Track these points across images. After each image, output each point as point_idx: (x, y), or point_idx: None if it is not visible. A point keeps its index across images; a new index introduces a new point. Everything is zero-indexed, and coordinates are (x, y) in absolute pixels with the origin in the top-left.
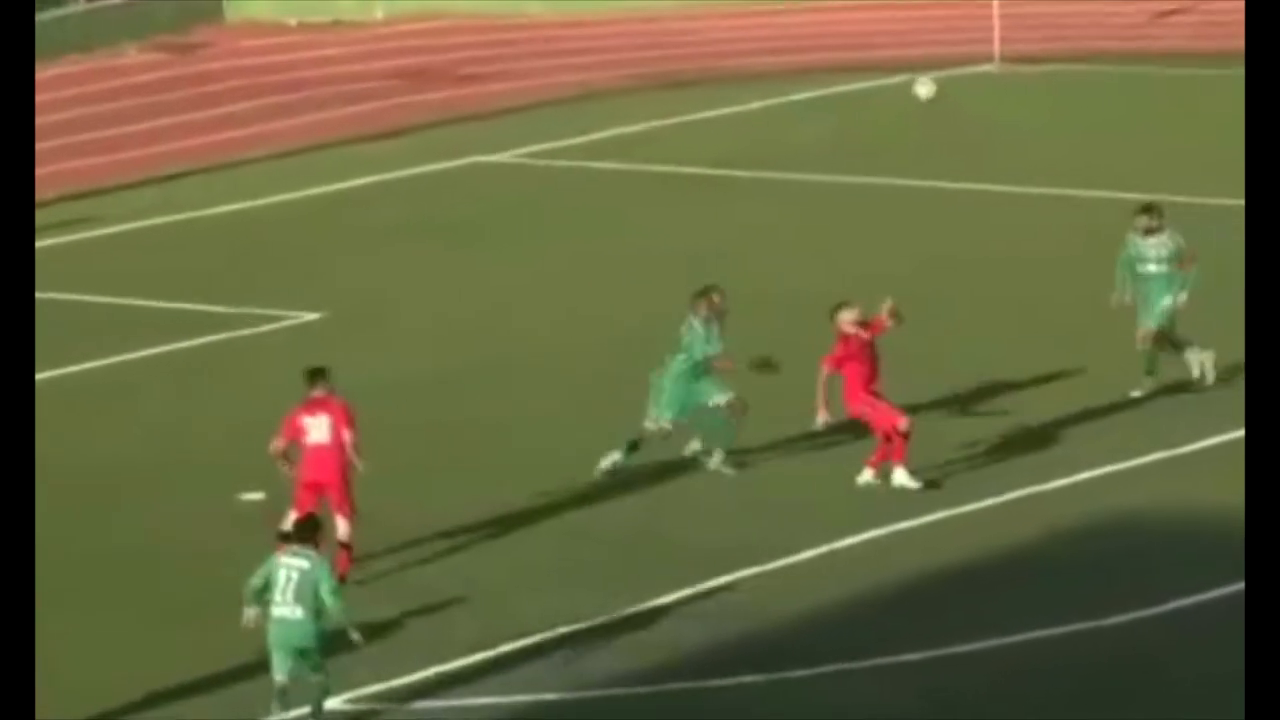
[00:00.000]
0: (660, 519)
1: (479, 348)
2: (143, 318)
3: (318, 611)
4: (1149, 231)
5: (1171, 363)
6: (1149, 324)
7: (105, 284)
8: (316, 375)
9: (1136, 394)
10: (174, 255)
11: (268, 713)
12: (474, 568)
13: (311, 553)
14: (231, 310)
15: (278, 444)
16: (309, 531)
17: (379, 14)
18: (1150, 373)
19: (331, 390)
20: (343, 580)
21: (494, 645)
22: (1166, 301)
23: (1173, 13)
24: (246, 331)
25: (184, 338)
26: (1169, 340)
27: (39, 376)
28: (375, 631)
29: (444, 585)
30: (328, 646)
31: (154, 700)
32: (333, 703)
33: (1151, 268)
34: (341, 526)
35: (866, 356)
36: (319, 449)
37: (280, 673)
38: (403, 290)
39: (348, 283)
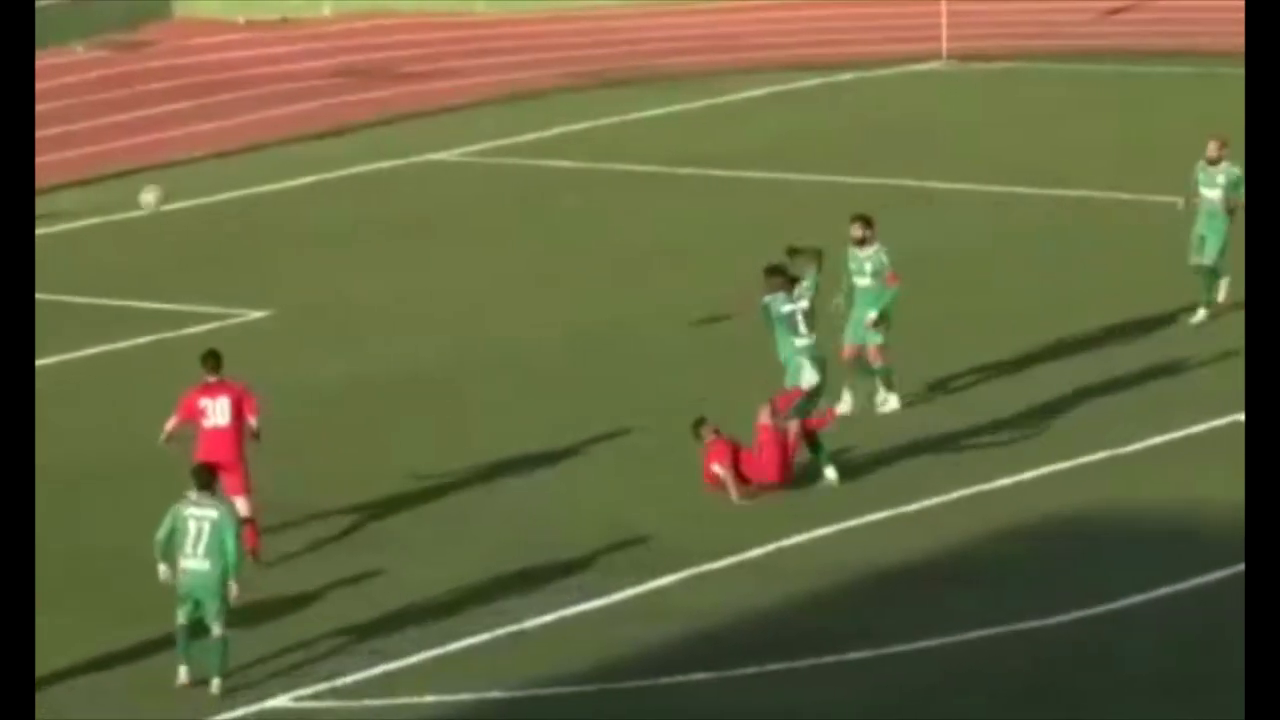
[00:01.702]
0: (609, 519)
1: (429, 346)
2: (88, 315)
3: (225, 562)
4: (859, 242)
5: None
6: (852, 340)
7: (50, 282)
8: (214, 359)
9: (885, 409)
10: (120, 253)
11: (180, 660)
12: (424, 566)
13: (218, 502)
14: (179, 308)
15: (171, 425)
16: (211, 478)
17: (326, 11)
18: (889, 386)
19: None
20: (255, 555)
21: (442, 644)
22: (869, 316)
23: (1121, 10)
24: (194, 330)
25: (131, 336)
26: (861, 360)
27: None
28: (323, 629)
29: (394, 583)
30: (228, 601)
31: (115, 699)
32: (279, 700)
33: (860, 280)
34: (242, 505)
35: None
36: (217, 431)
37: (183, 618)
38: (350, 288)
39: (295, 281)
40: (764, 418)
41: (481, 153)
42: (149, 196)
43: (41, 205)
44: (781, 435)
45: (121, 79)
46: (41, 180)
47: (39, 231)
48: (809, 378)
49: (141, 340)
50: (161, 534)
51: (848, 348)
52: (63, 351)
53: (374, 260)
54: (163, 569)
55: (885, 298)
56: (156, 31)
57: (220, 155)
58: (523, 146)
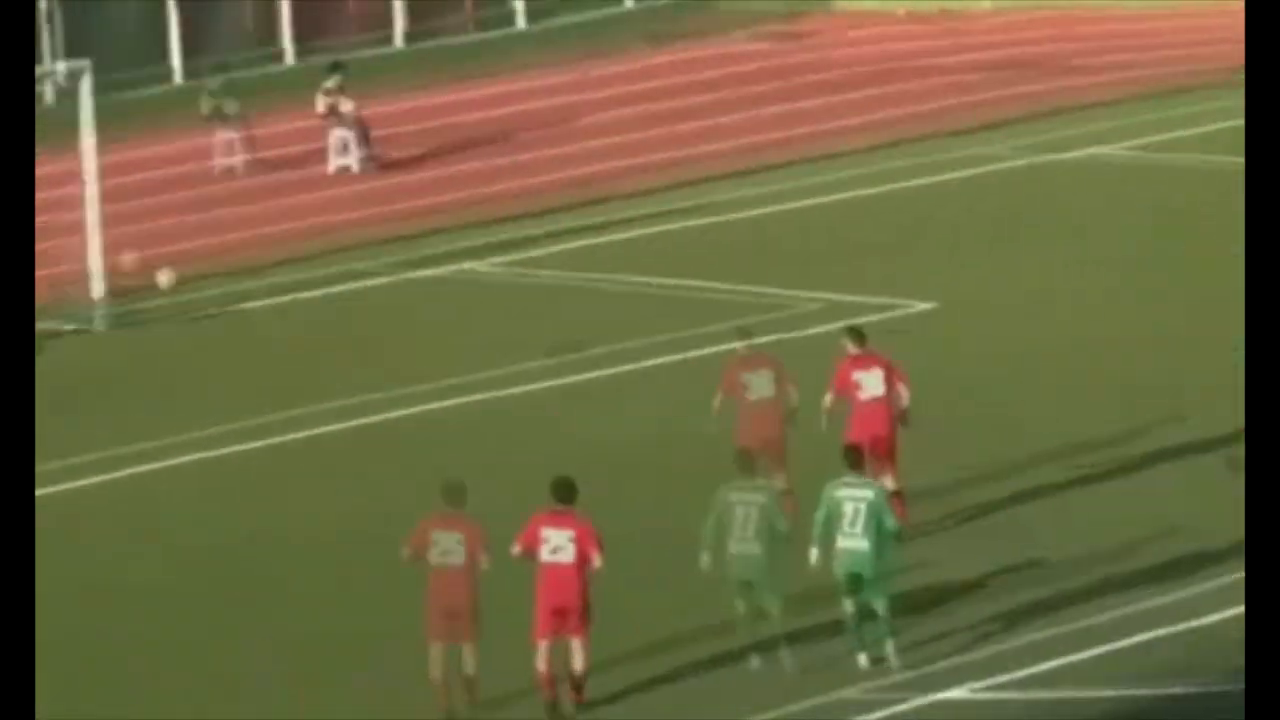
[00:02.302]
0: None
1: (1067, 339)
2: (752, 304)
3: (881, 542)
4: None
5: None
6: None
7: (719, 270)
8: (858, 332)
9: None
10: (783, 243)
11: (854, 646)
12: (1062, 557)
13: (872, 482)
14: (842, 298)
15: (829, 401)
16: (860, 459)
17: (986, 4)
18: None
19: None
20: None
21: (1106, 640)
22: None
23: None
24: (862, 319)
25: (788, 329)
26: None
27: (656, 361)
28: (978, 618)
29: (1037, 574)
30: (892, 580)
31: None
32: (956, 692)
33: None
34: (888, 480)
35: None
36: (874, 403)
37: (849, 603)
38: (1004, 283)
39: (950, 275)
40: None
41: (1147, 147)
42: (164, 278)
43: (692, 197)
44: None
45: (786, 70)
46: (702, 170)
47: (701, 221)
48: None
49: (807, 332)
50: (820, 516)
51: None
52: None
53: (1027, 256)
54: (814, 553)
55: None
56: (818, 23)
57: (882, 146)
58: (1187, 141)
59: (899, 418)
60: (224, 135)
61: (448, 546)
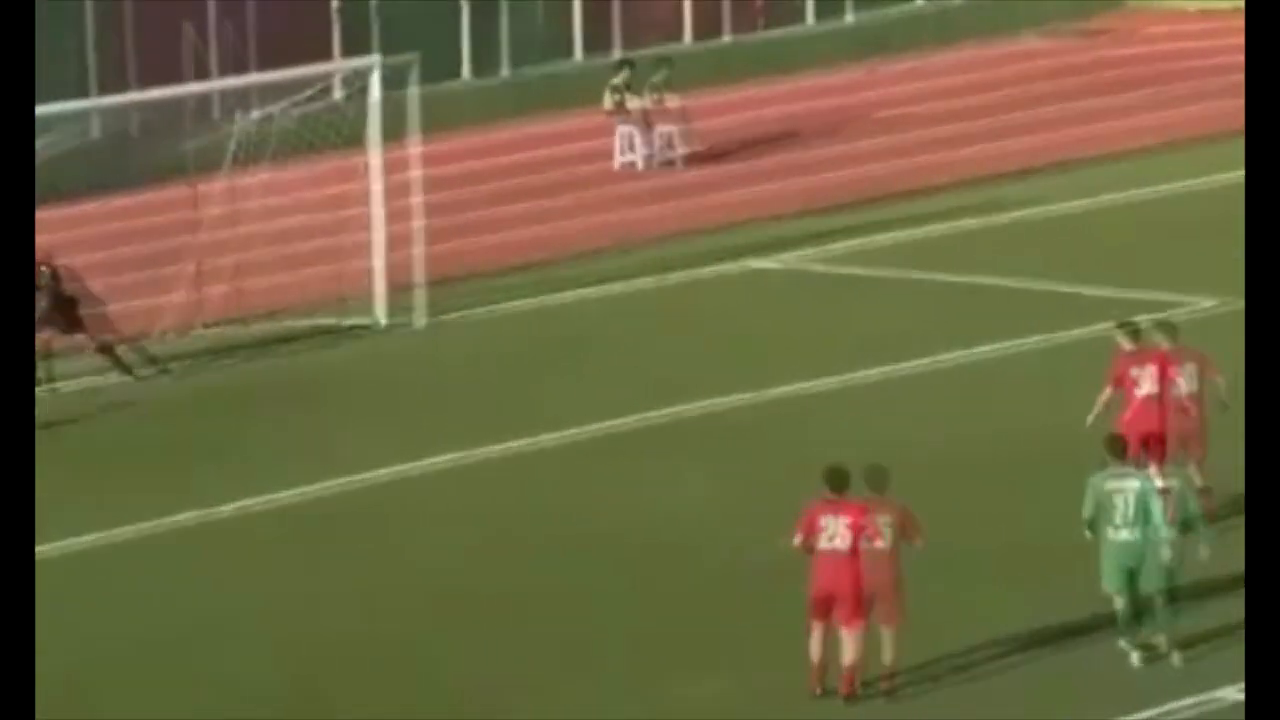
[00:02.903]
0: None
1: None
2: (1028, 304)
3: (1181, 531)
4: None
5: None
6: None
7: (1009, 267)
8: (1173, 328)
9: None
10: (1074, 239)
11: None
12: None
13: (1177, 470)
14: (1137, 295)
15: (1104, 398)
16: (1159, 450)
17: None
18: None
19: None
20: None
21: None
22: None
23: None
24: (1168, 314)
25: (1088, 321)
26: None
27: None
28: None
29: None
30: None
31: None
32: (1226, 691)
33: None
34: (1195, 476)
35: None
36: (1184, 399)
37: (1120, 597)
38: None
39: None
40: None
41: None
42: None
43: (981, 194)
44: None
45: (1071, 69)
46: (983, 170)
47: (993, 219)
48: None
49: (1086, 330)
50: (1126, 505)
51: None
52: (1005, 338)
53: None
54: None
55: None
56: (1111, 21)
57: (1170, 145)
58: None
59: (1215, 410)
60: (625, 130)
61: (834, 531)
